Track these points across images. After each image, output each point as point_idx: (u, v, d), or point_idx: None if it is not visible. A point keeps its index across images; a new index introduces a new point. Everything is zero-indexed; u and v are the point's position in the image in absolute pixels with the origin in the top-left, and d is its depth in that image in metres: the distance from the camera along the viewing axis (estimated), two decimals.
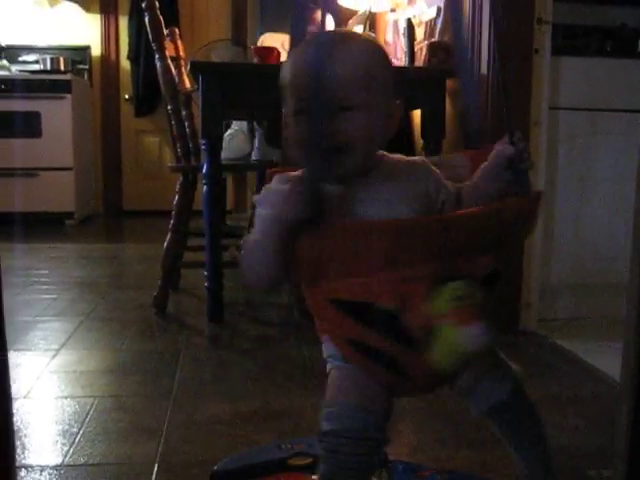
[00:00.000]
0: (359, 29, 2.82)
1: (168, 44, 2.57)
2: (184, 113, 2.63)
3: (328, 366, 0.93)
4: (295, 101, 0.87)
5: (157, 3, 2.43)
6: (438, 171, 0.95)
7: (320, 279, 0.84)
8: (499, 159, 0.92)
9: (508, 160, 0.91)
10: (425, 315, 0.80)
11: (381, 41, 3.10)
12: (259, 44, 2.92)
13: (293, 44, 0.96)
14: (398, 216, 0.87)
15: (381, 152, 0.94)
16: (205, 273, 2.28)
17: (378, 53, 0.92)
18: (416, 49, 2.65)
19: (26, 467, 1.26)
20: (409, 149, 2.75)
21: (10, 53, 5.27)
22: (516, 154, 0.90)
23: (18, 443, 1.35)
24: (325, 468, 0.88)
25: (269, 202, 0.81)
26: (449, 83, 2.33)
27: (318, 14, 2.96)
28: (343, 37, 0.92)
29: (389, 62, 0.94)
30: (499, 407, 0.97)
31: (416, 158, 0.97)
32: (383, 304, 0.81)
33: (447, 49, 2.40)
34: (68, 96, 4.85)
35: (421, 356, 0.81)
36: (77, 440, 1.38)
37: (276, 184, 0.84)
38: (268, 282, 0.85)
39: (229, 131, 3.32)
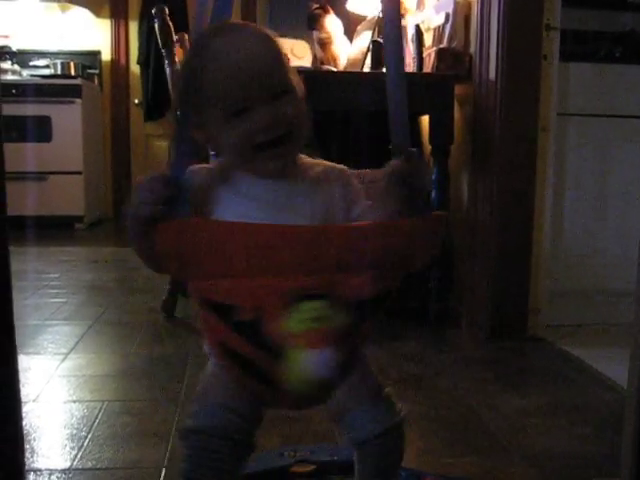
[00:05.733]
0: (368, 35, 2.82)
1: (178, 50, 2.59)
2: None
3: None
4: (235, 99, 0.81)
5: (167, 9, 2.44)
6: (359, 185, 0.91)
7: (184, 276, 0.85)
8: (389, 176, 0.85)
9: (400, 177, 0.84)
10: (279, 331, 0.76)
11: None
12: None
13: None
14: (278, 221, 0.82)
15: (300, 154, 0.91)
16: None
17: (274, 38, 0.88)
18: (424, 55, 2.66)
19: (35, 471, 1.27)
20: None
21: (21, 58, 5.30)
22: (408, 171, 0.84)
23: (27, 447, 1.36)
24: (186, 467, 0.85)
25: (133, 194, 0.81)
26: (457, 89, 2.33)
27: (325, 19, 2.97)
28: (241, 28, 0.87)
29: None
30: (366, 442, 0.89)
31: (338, 165, 0.92)
32: (243, 309, 0.79)
33: (455, 55, 2.40)
34: (78, 101, 4.88)
35: (283, 369, 0.79)
36: (85, 444, 1.38)
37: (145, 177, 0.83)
38: (151, 267, 0.86)
39: None
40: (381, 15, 2.92)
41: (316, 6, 3.13)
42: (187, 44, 2.76)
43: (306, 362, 0.75)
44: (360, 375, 0.89)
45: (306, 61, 2.90)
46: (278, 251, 0.77)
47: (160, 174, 0.80)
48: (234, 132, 0.82)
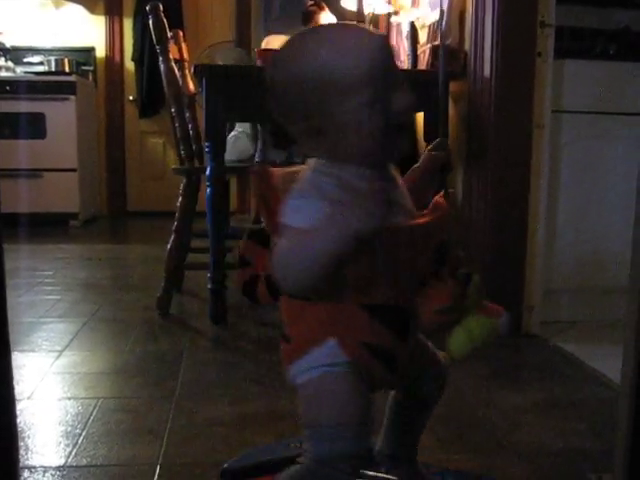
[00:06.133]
0: None
1: (172, 46, 2.58)
2: (188, 115, 2.64)
3: (308, 376, 0.87)
4: (375, 88, 0.80)
5: (161, 5, 2.43)
6: None
7: (372, 286, 0.84)
8: (435, 163, 0.99)
9: (441, 164, 1.00)
10: (458, 310, 0.86)
11: None
12: (263, 46, 2.93)
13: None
14: (409, 217, 0.88)
15: None
16: (208, 275, 2.29)
17: None
18: (419, 52, 2.66)
19: (29, 468, 1.27)
20: (412, 151, 2.76)
21: (15, 54, 5.28)
22: (446, 158, 1.00)
23: (21, 444, 1.36)
24: None
25: (328, 212, 0.75)
26: (452, 86, 2.34)
27: (320, 16, 2.97)
28: (350, 25, 0.90)
29: None
30: (433, 397, 1.05)
31: None
32: (405, 305, 0.87)
33: (450, 52, 2.40)
34: (72, 97, 4.87)
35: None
36: (80, 441, 1.38)
37: (319, 193, 0.80)
38: (306, 289, 0.82)
39: (232, 133, 3.33)
40: (375, 12, 2.92)
41: (311, 3, 3.13)
42: (181, 41, 2.76)
43: (496, 326, 0.87)
44: (424, 339, 1.00)
45: None
46: (434, 243, 0.88)
47: (377, 182, 0.78)
48: (370, 120, 0.80)
